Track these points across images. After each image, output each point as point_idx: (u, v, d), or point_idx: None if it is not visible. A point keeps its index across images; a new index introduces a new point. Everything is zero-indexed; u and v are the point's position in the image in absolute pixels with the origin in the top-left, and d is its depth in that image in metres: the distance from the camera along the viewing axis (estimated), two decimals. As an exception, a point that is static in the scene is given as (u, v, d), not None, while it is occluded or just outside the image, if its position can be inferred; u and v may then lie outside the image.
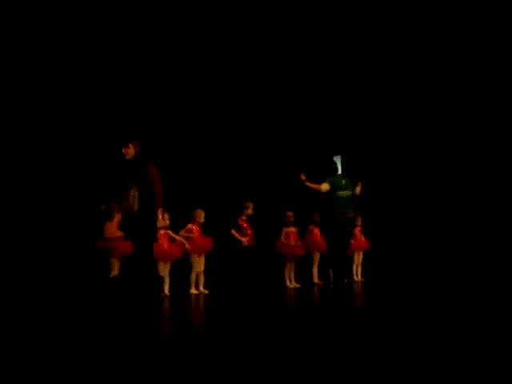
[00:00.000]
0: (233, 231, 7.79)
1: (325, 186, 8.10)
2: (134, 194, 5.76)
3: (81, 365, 3.16)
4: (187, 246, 7.29)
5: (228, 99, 11.80)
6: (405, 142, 11.80)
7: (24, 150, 9.79)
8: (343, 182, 8.19)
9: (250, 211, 7.92)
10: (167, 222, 6.92)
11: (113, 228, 6.90)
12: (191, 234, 7.45)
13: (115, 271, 6.83)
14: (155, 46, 10.37)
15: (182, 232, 7.48)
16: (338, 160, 13.53)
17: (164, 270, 7.24)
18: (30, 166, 9.82)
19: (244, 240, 7.77)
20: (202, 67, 11.07)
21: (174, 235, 7.33)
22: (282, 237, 8.39)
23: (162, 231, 7.23)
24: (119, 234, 6.91)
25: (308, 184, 8.16)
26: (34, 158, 9.91)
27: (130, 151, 5.88)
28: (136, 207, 5.74)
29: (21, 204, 9.60)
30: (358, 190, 8.42)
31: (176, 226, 7.52)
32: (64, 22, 9.45)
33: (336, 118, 12.64)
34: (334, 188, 8.04)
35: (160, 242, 7.19)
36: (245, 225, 7.86)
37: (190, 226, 7.53)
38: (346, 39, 10.73)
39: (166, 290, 7.24)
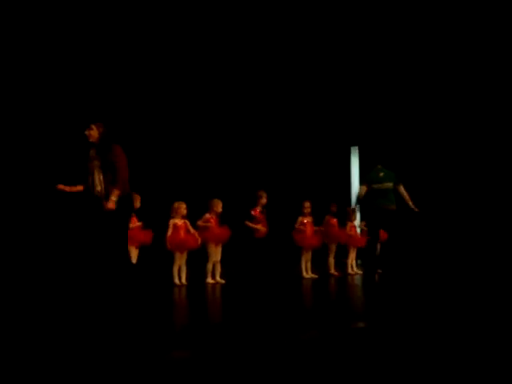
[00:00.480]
0: (247, 222, 7.79)
1: (360, 191, 7.99)
2: (98, 177, 5.56)
3: (96, 351, 3.19)
4: (199, 238, 7.33)
5: (244, 89, 11.77)
6: (422, 132, 11.70)
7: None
8: (381, 174, 8.02)
9: (264, 201, 7.92)
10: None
11: (132, 217, 6.90)
12: (208, 224, 7.48)
13: (133, 259, 6.85)
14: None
15: (199, 222, 7.51)
16: (355, 150, 13.52)
17: (181, 259, 7.30)
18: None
19: (259, 227, 7.76)
20: (216, 60, 11.04)
21: (190, 227, 7.37)
22: (297, 226, 8.40)
23: (180, 221, 7.28)
24: (137, 223, 6.97)
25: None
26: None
27: (94, 133, 5.65)
28: (101, 191, 5.53)
29: (39, 193, 9.68)
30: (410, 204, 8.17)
31: (193, 216, 7.55)
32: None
33: (353, 107, 12.57)
34: (371, 182, 7.92)
35: (177, 232, 7.25)
36: (259, 215, 7.86)
37: (207, 215, 7.55)
38: (365, 29, 10.62)
39: (183, 280, 7.30)
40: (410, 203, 7.88)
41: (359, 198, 7.89)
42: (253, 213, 7.84)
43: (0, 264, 8.57)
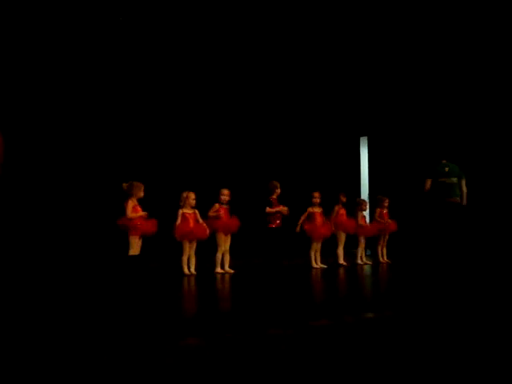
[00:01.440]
0: (268, 209, 7.76)
1: (425, 184, 8.20)
2: None
3: (105, 340, 3.21)
4: (207, 228, 7.34)
5: (254, 80, 11.74)
6: (432, 121, 11.62)
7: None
8: (446, 169, 8.15)
9: (278, 191, 7.91)
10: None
11: (135, 206, 6.88)
12: (218, 213, 7.49)
13: (136, 250, 6.82)
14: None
15: (210, 212, 7.52)
16: (364, 141, 13.46)
17: (190, 249, 7.31)
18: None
19: (281, 209, 7.76)
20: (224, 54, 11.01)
21: (199, 217, 7.38)
22: (306, 217, 8.39)
23: (189, 211, 7.28)
24: (142, 212, 6.93)
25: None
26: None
27: None
28: None
29: (43, 182, 9.72)
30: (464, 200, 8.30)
31: (203, 206, 7.57)
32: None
33: (362, 98, 12.51)
34: (436, 176, 8.09)
35: (186, 221, 7.25)
36: (275, 202, 7.84)
37: (216, 205, 7.57)
38: (374, 19, 10.55)
39: (192, 269, 7.32)
40: (464, 199, 8.19)
41: (424, 191, 8.13)
42: (271, 199, 7.82)
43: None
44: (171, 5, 9.77)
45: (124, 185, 6.91)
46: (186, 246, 7.28)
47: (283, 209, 7.74)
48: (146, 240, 6.97)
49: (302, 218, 8.42)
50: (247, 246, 9.26)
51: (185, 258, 7.29)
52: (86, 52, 10.02)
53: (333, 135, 12.97)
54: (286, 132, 12.40)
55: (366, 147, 13.41)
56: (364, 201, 9.50)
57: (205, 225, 7.37)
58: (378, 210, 9.40)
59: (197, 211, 7.38)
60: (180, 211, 7.29)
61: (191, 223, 7.28)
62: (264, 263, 7.88)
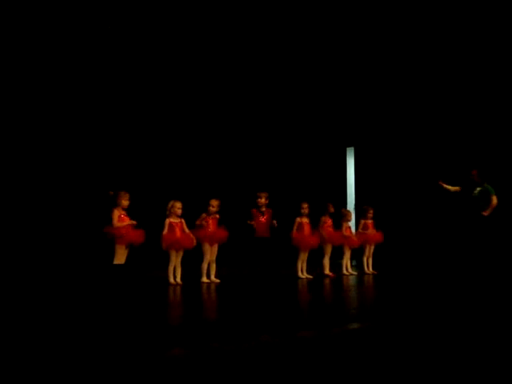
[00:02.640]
0: (252, 221, 7.84)
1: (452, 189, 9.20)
2: None
3: (90, 350, 3.19)
4: (194, 238, 7.36)
5: (242, 91, 11.79)
6: (418, 132, 11.72)
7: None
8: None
9: (263, 201, 7.96)
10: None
11: (121, 215, 6.85)
12: (204, 223, 7.51)
13: (121, 259, 6.77)
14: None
15: (198, 221, 7.54)
16: (350, 151, 13.54)
17: (176, 258, 7.30)
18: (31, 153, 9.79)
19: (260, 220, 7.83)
20: (214, 58, 11.05)
21: (185, 227, 7.38)
22: (295, 227, 8.43)
23: (175, 220, 7.27)
24: (129, 221, 6.88)
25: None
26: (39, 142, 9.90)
27: None
28: None
29: (28, 189, 9.67)
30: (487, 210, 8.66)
31: (190, 215, 7.56)
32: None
33: (349, 109, 12.60)
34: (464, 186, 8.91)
35: (172, 231, 7.24)
36: (259, 214, 7.90)
37: (204, 215, 7.58)
38: (362, 30, 10.65)
39: (178, 279, 7.30)
40: (488, 210, 8.57)
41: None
42: (253, 211, 7.89)
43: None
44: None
45: (110, 193, 6.88)
46: (173, 255, 7.27)
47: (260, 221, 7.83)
48: (131, 249, 6.93)
49: (294, 227, 8.46)
50: (234, 256, 9.26)
51: (171, 268, 7.27)
52: (76, 61, 10.01)
53: (320, 146, 13.04)
54: (274, 143, 12.45)
55: (353, 157, 13.50)
56: (349, 211, 9.54)
57: (191, 234, 7.37)
58: (363, 221, 9.46)
59: (183, 220, 7.38)
60: (167, 220, 7.28)
61: (178, 232, 7.27)
62: (250, 273, 7.88)
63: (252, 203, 7.96)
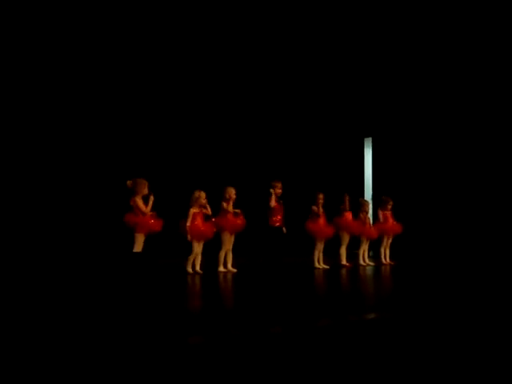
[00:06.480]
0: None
1: None
2: None
3: (111, 338, 3.26)
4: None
5: (260, 80, 11.77)
6: (437, 122, 11.64)
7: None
8: None
9: (278, 191, 7.98)
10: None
11: (141, 204, 6.85)
12: (227, 211, 7.56)
13: (139, 247, 6.71)
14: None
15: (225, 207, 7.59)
16: (368, 142, 13.49)
17: (198, 248, 7.33)
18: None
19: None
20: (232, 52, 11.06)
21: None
22: (310, 217, 8.45)
23: (198, 211, 7.28)
24: (149, 210, 6.83)
25: None
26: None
27: None
28: None
29: (49, 180, 9.79)
30: None
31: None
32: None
33: (367, 99, 12.53)
34: None
35: (196, 221, 7.26)
36: (276, 205, 7.93)
37: (224, 204, 7.60)
38: (381, 20, 10.58)
39: (198, 268, 7.34)
40: None
41: None
42: (270, 204, 7.92)
43: None
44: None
45: (128, 182, 6.84)
46: (196, 245, 7.30)
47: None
48: (148, 238, 6.93)
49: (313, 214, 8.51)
50: (250, 245, 9.30)
51: (192, 257, 7.30)
52: (94, 49, 10.08)
53: (337, 136, 12.99)
54: (292, 133, 12.42)
55: (371, 148, 13.44)
56: (366, 201, 9.53)
57: (212, 224, 7.41)
58: (382, 213, 9.42)
59: (203, 210, 7.40)
60: (191, 210, 7.29)
61: (200, 223, 7.32)
62: (266, 262, 7.92)
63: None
